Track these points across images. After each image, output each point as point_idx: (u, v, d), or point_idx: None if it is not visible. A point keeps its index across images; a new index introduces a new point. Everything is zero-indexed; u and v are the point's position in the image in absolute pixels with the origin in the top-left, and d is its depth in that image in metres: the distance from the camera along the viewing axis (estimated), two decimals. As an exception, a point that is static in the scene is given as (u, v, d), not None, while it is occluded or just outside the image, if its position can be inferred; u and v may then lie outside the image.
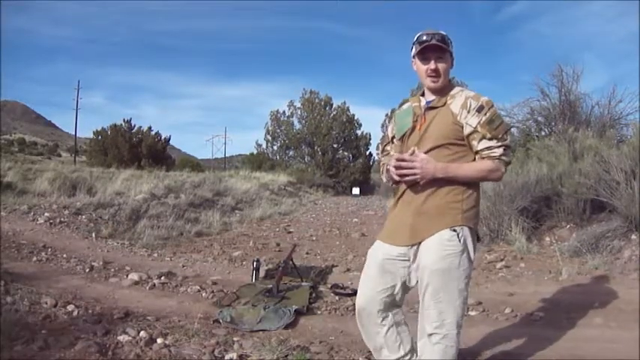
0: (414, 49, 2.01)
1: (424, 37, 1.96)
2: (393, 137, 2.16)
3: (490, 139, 1.92)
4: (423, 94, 2.08)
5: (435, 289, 1.89)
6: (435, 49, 1.95)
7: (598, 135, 7.09)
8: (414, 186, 1.95)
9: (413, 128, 2.01)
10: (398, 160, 1.92)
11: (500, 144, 1.92)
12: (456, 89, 2.03)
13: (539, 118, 9.62)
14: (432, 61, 1.95)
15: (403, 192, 2.01)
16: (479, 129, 1.91)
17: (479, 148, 1.93)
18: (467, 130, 1.93)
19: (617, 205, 5.29)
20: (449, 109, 1.97)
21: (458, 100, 1.97)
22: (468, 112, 1.93)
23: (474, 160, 1.97)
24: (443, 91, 2.01)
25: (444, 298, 1.89)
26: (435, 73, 1.95)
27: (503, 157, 1.94)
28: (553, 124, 9.13)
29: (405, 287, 2.04)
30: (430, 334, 1.92)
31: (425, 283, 1.92)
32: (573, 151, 6.59)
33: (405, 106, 2.16)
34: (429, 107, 2.00)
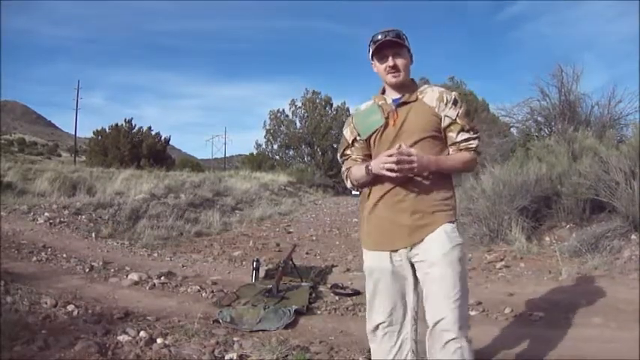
0: (370, 50, 1.98)
1: (379, 37, 1.94)
2: (353, 140, 2.08)
3: (467, 130, 1.95)
4: (383, 92, 2.05)
5: (448, 284, 1.82)
6: (390, 46, 1.93)
7: (598, 135, 7.09)
8: (399, 187, 1.91)
9: (386, 125, 1.96)
10: (400, 153, 1.82)
11: (475, 136, 1.97)
12: (424, 86, 2.04)
13: (539, 118, 9.61)
14: (390, 58, 1.93)
15: (382, 194, 1.95)
16: (458, 121, 1.94)
17: (457, 140, 1.95)
18: (445, 122, 1.95)
19: (617, 205, 5.30)
20: (423, 102, 1.96)
21: (430, 94, 1.97)
22: (446, 104, 1.94)
23: (449, 152, 1.98)
24: (406, 87, 1.99)
25: (452, 291, 1.82)
26: (395, 69, 1.94)
27: (478, 149, 1.99)
28: (553, 124, 9.13)
29: (416, 289, 1.96)
30: (452, 339, 1.81)
31: (433, 278, 1.85)
32: (573, 151, 6.59)
33: (363, 106, 2.09)
34: (401, 102, 1.97)
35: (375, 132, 1.99)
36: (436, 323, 1.84)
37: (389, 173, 1.84)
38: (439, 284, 1.84)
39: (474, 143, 1.97)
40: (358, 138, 2.06)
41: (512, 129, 10.38)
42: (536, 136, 9.03)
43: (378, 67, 1.99)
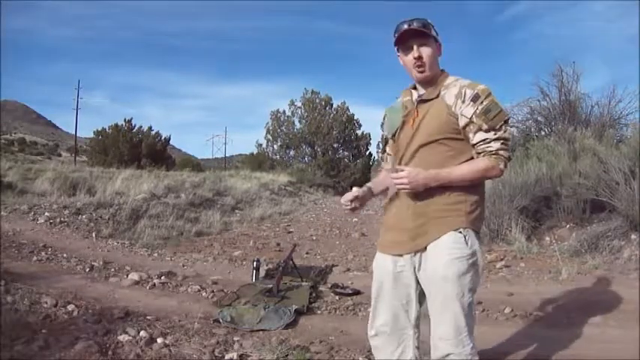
0: (394, 40, 1.84)
1: (404, 26, 1.80)
2: (386, 137, 2.00)
3: (487, 130, 1.73)
4: (414, 88, 1.92)
5: (444, 299, 1.73)
6: (415, 35, 1.78)
7: (597, 135, 7.09)
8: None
9: (403, 124, 1.86)
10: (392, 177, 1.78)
11: (497, 136, 1.73)
12: (451, 78, 1.83)
13: (539, 118, 9.62)
14: (415, 48, 1.78)
15: (396, 195, 1.86)
16: (474, 119, 1.73)
17: (474, 142, 1.75)
18: (462, 122, 1.75)
19: (617, 205, 5.30)
20: (442, 100, 1.79)
21: (452, 90, 1.79)
22: (463, 101, 1.74)
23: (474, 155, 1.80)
24: (434, 81, 1.83)
25: (455, 308, 1.72)
26: (420, 60, 1.79)
27: (501, 152, 1.73)
28: (553, 123, 9.13)
29: (421, 299, 1.87)
30: (446, 355, 1.74)
31: (434, 293, 1.77)
32: (573, 151, 6.60)
33: (395, 102, 1.98)
34: (421, 100, 1.83)
35: (396, 131, 1.89)
36: (435, 339, 1.79)
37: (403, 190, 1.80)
38: (436, 300, 1.77)
39: (494, 145, 1.72)
40: (387, 135, 1.98)
41: (512, 129, 10.38)
42: (536, 135, 9.04)
43: (404, 59, 1.85)
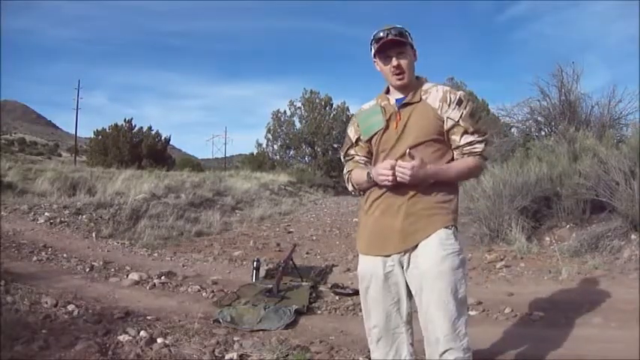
0: (372, 49, 1.90)
1: (380, 34, 1.85)
2: (357, 139, 2.02)
3: (472, 133, 1.85)
4: (387, 92, 1.97)
5: (440, 296, 1.76)
6: (393, 45, 1.84)
7: (598, 135, 7.09)
8: (396, 189, 1.82)
9: (387, 127, 1.89)
10: (393, 167, 1.78)
11: (481, 139, 1.86)
12: (428, 84, 1.93)
13: (539, 118, 9.60)
14: (394, 58, 1.84)
15: (379, 196, 1.89)
16: (461, 123, 1.83)
17: (461, 144, 1.85)
18: (448, 125, 1.85)
19: (617, 205, 5.30)
20: (426, 104, 1.87)
21: (434, 94, 1.88)
22: (449, 105, 1.84)
23: (453, 156, 1.89)
24: (411, 87, 1.90)
25: (450, 304, 1.75)
26: (399, 69, 1.85)
27: (484, 154, 1.88)
28: (553, 124, 9.12)
29: (410, 295, 1.90)
30: (444, 351, 1.76)
31: (427, 290, 1.79)
32: (573, 151, 6.59)
33: (366, 106, 2.03)
34: (404, 104, 1.89)
35: (376, 134, 1.92)
36: (431, 336, 1.80)
37: (386, 183, 1.81)
38: (431, 297, 1.78)
39: (478, 147, 1.85)
40: (362, 137, 1.99)
41: (512, 129, 10.37)
42: (536, 136, 9.04)
43: (382, 67, 1.91)
